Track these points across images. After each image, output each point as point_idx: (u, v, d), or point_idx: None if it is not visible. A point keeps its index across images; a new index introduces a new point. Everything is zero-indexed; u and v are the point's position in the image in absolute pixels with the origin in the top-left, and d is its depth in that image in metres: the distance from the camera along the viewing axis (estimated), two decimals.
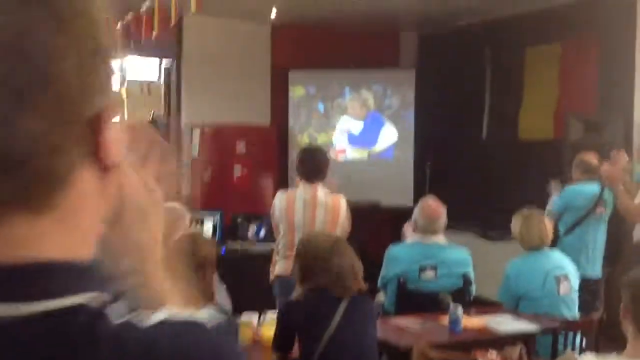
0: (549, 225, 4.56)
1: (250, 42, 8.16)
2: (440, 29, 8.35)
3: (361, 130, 8.47)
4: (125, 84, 11.61)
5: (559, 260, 4.50)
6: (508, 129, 7.59)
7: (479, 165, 7.79)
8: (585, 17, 6.70)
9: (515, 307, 4.39)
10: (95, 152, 0.63)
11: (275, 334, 3.27)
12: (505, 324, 4.04)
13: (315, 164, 4.66)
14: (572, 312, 4.43)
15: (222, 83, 7.93)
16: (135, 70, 11.64)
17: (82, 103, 0.61)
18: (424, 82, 8.31)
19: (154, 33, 5.39)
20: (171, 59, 8.03)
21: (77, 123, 0.61)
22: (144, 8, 5.62)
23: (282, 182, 7.43)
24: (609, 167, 5.21)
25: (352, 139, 8.48)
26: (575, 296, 4.47)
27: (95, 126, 0.63)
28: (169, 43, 7.70)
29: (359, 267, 3.25)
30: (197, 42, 7.93)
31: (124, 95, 11.30)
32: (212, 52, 7.95)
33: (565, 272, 4.44)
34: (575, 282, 4.48)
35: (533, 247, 4.45)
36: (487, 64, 7.92)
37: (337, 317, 3.13)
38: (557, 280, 4.36)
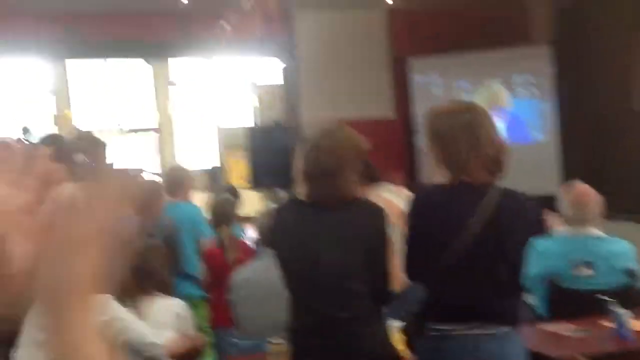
0: None
1: (366, 31, 7.75)
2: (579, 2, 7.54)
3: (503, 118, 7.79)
4: (256, 89, 11.57)
5: None
6: None
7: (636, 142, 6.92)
8: None
9: None
10: None
11: None
12: None
13: None
14: None
15: (339, 77, 7.62)
16: (264, 74, 11.59)
17: None
18: (561, 58, 7.54)
19: (258, 30, 5.19)
20: (286, 59, 7.82)
21: None
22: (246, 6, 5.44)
23: (410, 176, 7.00)
24: None
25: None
26: None
27: None
28: (282, 42, 7.50)
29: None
30: (310, 38, 7.66)
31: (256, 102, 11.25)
32: (327, 47, 7.65)
33: None
34: None
35: None
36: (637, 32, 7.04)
37: None
38: None
